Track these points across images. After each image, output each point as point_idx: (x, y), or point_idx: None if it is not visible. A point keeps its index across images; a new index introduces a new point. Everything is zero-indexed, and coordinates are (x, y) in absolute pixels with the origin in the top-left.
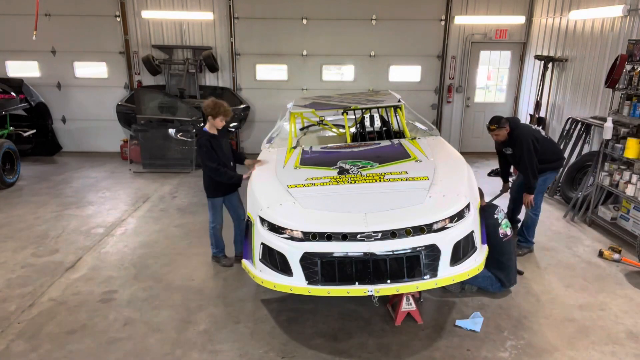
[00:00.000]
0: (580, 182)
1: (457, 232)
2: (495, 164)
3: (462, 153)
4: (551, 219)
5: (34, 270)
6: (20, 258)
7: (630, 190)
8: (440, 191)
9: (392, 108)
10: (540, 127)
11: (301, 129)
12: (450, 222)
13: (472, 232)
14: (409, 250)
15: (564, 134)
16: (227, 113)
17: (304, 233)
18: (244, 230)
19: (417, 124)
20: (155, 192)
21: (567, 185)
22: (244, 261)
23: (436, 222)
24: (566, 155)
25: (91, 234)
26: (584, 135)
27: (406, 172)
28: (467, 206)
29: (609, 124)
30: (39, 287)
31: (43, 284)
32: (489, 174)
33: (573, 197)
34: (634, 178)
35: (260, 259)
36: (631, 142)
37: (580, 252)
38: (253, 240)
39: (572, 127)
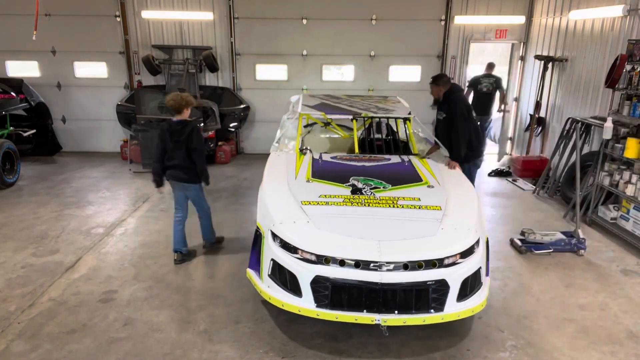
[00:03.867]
0: (580, 182)
1: (467, 268)
2: (494, 164)
3: None
4: (551, 219)
5: (34, 270)
6: (20, 258)
7: (630, 190)
8: (452, 224)
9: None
10: (538, 127)
11: (305, 126)
12: (461, 257)
13: (480, 268)
14: (419, 283)
15: (564, 134)
16: (190, 102)
17: (318, 256)
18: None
19: (420, 133)
20: (155, 192)
21: (567, 185)
22: (248, 271)
23: (447, 257)
24: (566, 155)
25: (91, 234)
26: (584, 135)
27: (419, 199)
28: (477, 241)
29: (609, 124)
30: (39, 287)
31: (43, 284)
32: (489, 174)
33: (573, 197)
34: (634, 178)
35: (269, 275)
36: (631, 142)
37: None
38: (262, 253)
39: (572, 127)
